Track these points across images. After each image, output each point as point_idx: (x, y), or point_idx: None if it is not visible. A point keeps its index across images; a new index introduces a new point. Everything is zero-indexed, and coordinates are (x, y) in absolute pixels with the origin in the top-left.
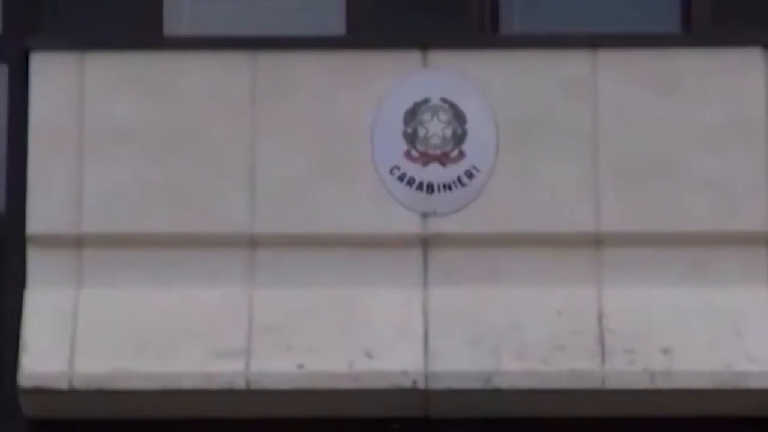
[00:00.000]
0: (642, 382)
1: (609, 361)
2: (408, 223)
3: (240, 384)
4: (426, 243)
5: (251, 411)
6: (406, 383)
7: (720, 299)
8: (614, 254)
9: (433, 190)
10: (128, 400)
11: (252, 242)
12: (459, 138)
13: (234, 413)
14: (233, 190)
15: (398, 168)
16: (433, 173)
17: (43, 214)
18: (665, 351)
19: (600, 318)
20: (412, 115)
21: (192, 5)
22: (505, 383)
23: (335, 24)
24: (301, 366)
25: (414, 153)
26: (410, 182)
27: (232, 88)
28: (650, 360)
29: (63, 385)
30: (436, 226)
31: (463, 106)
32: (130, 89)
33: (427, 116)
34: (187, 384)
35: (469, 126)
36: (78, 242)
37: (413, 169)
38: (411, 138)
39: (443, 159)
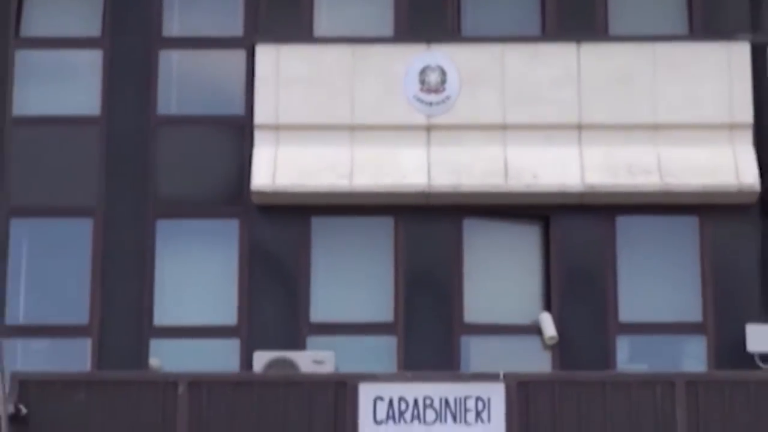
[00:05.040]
0: (523, 188)
1: (509, 179)
2: (420, 120)
3: (346, 190)
4: (429, 128)
5: (351, 202)
6: (419, 189)
7: (558, 153)
8: (511, 133)
9: (431, 105)
10: (300, 196)
11: (352, 128)
12: (443, 82)
13: (343, 203)
14: (342, 107)
15: (416, 95)
16: (432, 97)
17: (262, 113)
18: (534, 175)
19: (506, 160)
20: (422, 71)
21: (327, 19)
22: (462, 189)
23: (388, 29)
24: (375, 183)
25: (423, 88)
26: (421, 101)
27: (341, 60)
28: (528, 179)
29: (270, 189)
30: (433, 120)
31: (446, 68)
32: (299, 60)
33: (428, 72)
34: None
35: (448, 77)
36: (276, 127)
37: (423, 96)
38: (422, 82)
39: (436, 91)
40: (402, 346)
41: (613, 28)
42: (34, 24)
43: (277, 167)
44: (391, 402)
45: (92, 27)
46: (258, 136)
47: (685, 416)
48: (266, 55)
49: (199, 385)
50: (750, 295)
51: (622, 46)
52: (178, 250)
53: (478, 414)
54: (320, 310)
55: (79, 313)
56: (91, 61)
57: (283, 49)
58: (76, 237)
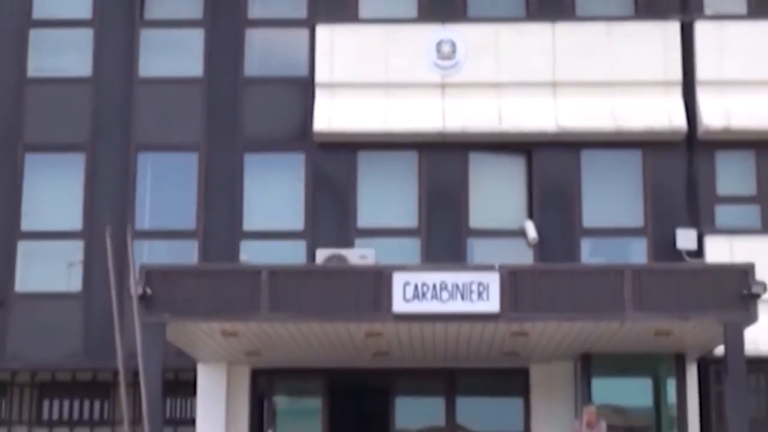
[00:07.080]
0: (512, 130)
1: (502, 123)
2: (437, 79)
3: (382, 131)
4: (443, 86)
5: (386, 141)
6: (436, 131)
7: (538, 103)
8: (504, 89)
9: (445, 68)
10: (349, 136)
11: (387, 86)
12: (454, 51)
13: (380, 141)
14: (379, 70)
15: (434, 61)
16: (446, 63)
17: (321, 75)
18: (521, 120)
19: (499, 109)
20: (438, 44)
21: (368, 5)
22: (468, 130)
23: (413, 12)
24: (404, 127)
25: (439, 56)
26: (438, 66)
27: (378, 36)
28: (516, 123)
29: (327, 130)
30: (447, 79)
31: (456, 41)
32: (347, 36)
33: (443, 44)
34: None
35: (457, 48)
36: (331, 85)
37: (439, 62)
38: (438, 51)
39: (449, 58)
40: (424, 245)
41: (580, 10)
42: (154, 9)
43: (332, 115)
44: (416, 286)
45: (196, 11)
46: (318, 92)
47: (631, 296)
48: (324, 32)
49: (277, 273)
50: (679, 208)
51: (586, 24)
52: (260, 176)
53: (479, 294)
54: (364, 219)
55: (188, 221)
56: (196, 37)
57: (336, 27)
58: (185, 166)
